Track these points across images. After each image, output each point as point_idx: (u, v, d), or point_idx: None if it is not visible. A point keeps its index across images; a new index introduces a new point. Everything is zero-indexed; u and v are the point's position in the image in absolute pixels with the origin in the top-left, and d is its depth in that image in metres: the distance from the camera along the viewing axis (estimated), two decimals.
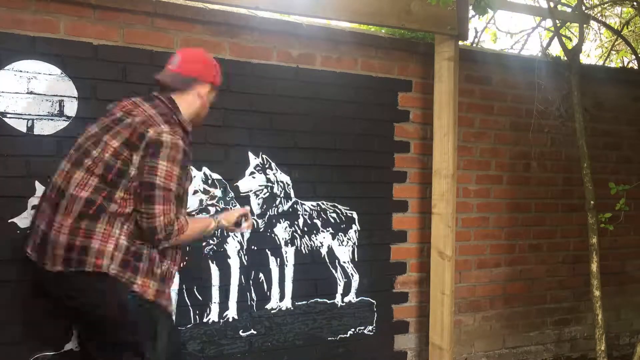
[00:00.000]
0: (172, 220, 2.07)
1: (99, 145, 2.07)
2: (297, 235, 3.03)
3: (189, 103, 2.25)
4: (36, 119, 2.43)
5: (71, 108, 2.49)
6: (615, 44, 5.54)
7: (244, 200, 2.89)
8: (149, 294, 2.08)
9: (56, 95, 2.46)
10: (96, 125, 2.16)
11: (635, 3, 4.23)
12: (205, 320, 2.81)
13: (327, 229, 3.10)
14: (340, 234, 3.14)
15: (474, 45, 4.60)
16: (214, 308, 2.83)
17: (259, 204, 2.93)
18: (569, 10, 3.99)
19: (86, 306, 2.07)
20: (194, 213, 2.77)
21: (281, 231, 2.99)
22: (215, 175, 2.81)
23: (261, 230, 2.94)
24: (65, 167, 2.11)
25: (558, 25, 3.58)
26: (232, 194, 2.85)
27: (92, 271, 1.98)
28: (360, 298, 3.20)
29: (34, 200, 2.41)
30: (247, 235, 2.90)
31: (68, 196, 2.03)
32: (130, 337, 2.08)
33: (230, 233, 2.83)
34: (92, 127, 2.16)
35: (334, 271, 3.13)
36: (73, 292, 2.05)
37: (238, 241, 2.88)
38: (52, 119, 2.46)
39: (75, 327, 2.44)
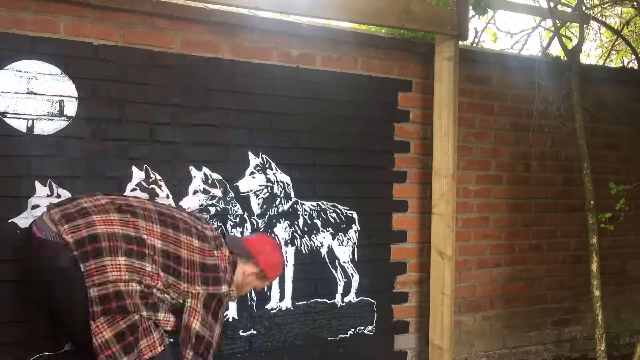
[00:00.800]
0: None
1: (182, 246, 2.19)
2: (297, 235, 3.03)
3: (237, 271, 2.35)
4: (36, 119, 2.43)
5: (71, 108, 2.49)
6: (615, 44, 5.54)
7: (244, 200, 2.89)
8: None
9: (56, 95, 2.46)
10: (185, 219, 2.26)
11: (635, 3, 4.23)
12: None
13: (327, 229, 3.10)
14: (340, 234, 3.14)
15: (474, 45, 4.60)
16: None
17: (259, 204, 2.93)
18: (569, 10, 3.99)
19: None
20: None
21: (281, 231, 2.99)
22: (215, 175, 2.81)
23: (261, 230, 2.94)
24: (159, 228, 2.16)
25: (558, 25, 3.58)
26: (232, 194, 2.85)
27: None
28: (360, 298, 3.20)
29: (34, 200, 2.41)
30: (247, 235, 2.90)
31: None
32: None
33: (230, 233, 2.84)
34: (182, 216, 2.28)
35: (334, 271, 3.13)
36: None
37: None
38: (52, 119, 2.46)
39: None
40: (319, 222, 3.08)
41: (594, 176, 3.20)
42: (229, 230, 2.85)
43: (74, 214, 2.09)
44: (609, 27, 4.90)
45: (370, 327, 3.23)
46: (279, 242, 2.60)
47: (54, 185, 2.45)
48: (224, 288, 2.25)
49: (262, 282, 2.47)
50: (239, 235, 2.76)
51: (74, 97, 2.50)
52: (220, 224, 2.82)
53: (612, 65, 5.74)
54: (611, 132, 4.01)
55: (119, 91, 2.58)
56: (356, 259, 3.18)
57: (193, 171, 2.75)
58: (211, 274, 2.22)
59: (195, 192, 2.75)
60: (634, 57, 4.79)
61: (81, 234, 2.03)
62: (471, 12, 3.15)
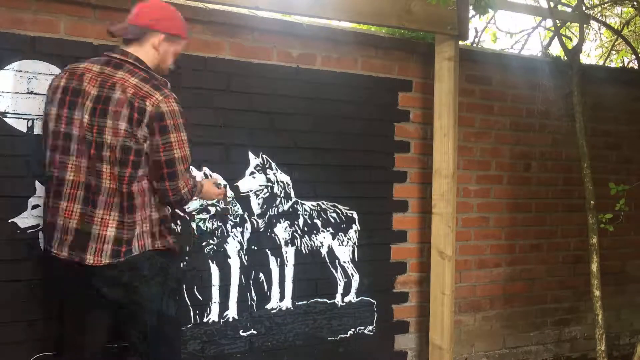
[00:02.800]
0: (193, 186, 2.19)
1: (106, 132, 2.01)
2: (297, 235, 3.03)
3: (147, 56, 2.15)
4: (36, 119, 2.42)
5: None
6: (615, 44, 5.54)
7: (244, 200, 2.89)
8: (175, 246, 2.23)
9: None
10: (75, 109, 2.05)
11: (635, 3, 4.23)
12: (205, 320, 2.81)
13: (327, 229, 3.10)
14: (340, 234, 3.14)
15: (474, 45, 4.60)
16: (214, 308, 2.83)
17: (259, 204, 2.93)
18: (569, 10, 4.00)
19: (132, 286, 2.09)
20: (193, 213, 2.77)
21: (281, 231, 2.99)
22: (215, 175, 2.81)
23: (261, 230, 2.94)
24: (75, 161, 2.05)
25: (558, 25, 3.58)
26: (232, 194, 2.85)
27: (139, 252, 2.08)
28: (360, 298, 3.20)
29: (34, 200, 2.41)
30: (247, 235, 2.90)
31: (105, 190, 2.04)
32: (170, 314, 2.17)
33: (230, 232, 2.84)
34: (71, 112, 2.05)
35: (334, 271, 3.13)
36: (120, 277, 2.07)
37: (238, 241, 2.88)
38: None
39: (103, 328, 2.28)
40: (319, 222, 3.08)
41: (594, 176, 3.20)
42: (229, 231, 2.85)
43: (81, 243, 2.07)
44: (609, 27, 4.90)
45: (370, 327, 3.23)
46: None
47: None
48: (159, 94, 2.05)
49: (178, 44, 2.24)
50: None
51: None
52: (220, 224, 2.82)
53: (612, 65, 5.74)
54: (611, 132, 4.01)
55: None
56: (356, 259, 3.18)
57: (193, 171, 2.75)
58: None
59: None
60: (634, 57, 4.79)
61: (103, 250, 2.06)
62: (471, 12, 3.15)
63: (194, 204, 2.75)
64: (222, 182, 2.74)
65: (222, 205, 2.77)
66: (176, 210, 2.62)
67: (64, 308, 2.27)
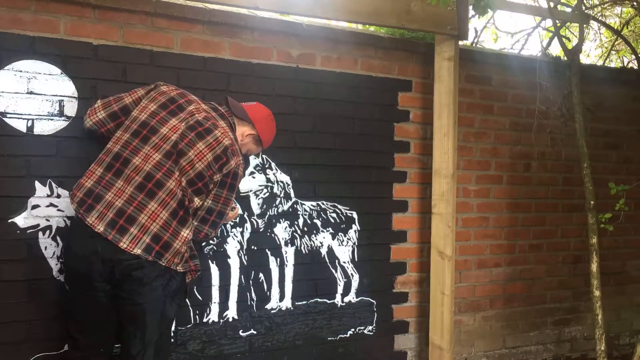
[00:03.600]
0: (216, 233, 2.47)
1: (193, 149, 2.24)
2: (297, 235, 3.03)
3: (237, 135, 2.48)
4: (36, 119, 2.43)
5: (71, 108, 2.49)
6: (615, 44, 5.54)
7: (244, 200, 2.89)
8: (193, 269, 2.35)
9: (56, 95, 2.46)
10: (173, 116, 2.28)
11: (635, 3, 4.23)
12: (205, 320, 2.81)
13: (327, 229, 3.10)
14: (340, 234, 3.14)
15: (474, 45, 4.60)
16: (214, 308, 2.83)
17: (259, 204, 2.93)
18: (569, 10, 3.99)
19: (144, 286, 2.14)
20: None
21: (281, 231, 2.99)
22: None
23: (261, 230, 2.94)
24: (149, 151, 2.20)
25: (558, 25, 3.58)
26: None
27: (165, 265, 2.17)
28: (360, 298, 3.20)
29: (34, 200, 2.42)
30: (247, 235, 2.90)
31: (165, 188, 2.18)
32: (162, 328, 2.23)
33: (230, 233, 2.84)
34: (168, 116, 2.27)
35: (334, 271, 3.13)
36: (139, 275, 2.13)
37: (238, 241, 2.89)
38: (52, 119, 2.46)
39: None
40: (319, 222, 3.08)
41: (594, 176, 3.20)
42: (229, 231, 2.85)
43: (122, 225, 2.16)
44: (609, 27, 4.90)
45: (370, 327, 3.23)
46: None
47: (54, 185, 2.45)
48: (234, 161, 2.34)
49: (256, 147, 2.61)
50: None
51: (74, 97, 2.50)
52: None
53: (612, 65, 5.74)
54: (611, 132, 4.01)
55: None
56: (356, 259, 3.18)
57: None
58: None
59: None
60: (634, 57, 4.79)
61: (140, 240, 2.15)
62: (471, 12, 3.15)
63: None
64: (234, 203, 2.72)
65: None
66: None
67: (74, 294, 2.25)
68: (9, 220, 2.39)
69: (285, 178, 2.99)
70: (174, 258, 2.19)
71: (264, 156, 2.92)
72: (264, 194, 2.94)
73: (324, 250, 3.11)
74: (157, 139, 2.23)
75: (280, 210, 2.98)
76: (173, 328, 2.65)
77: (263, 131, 2.56)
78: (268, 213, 2.95)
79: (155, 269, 2.15)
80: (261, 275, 2.95)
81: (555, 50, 5.64)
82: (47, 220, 2.44)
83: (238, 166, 2.34)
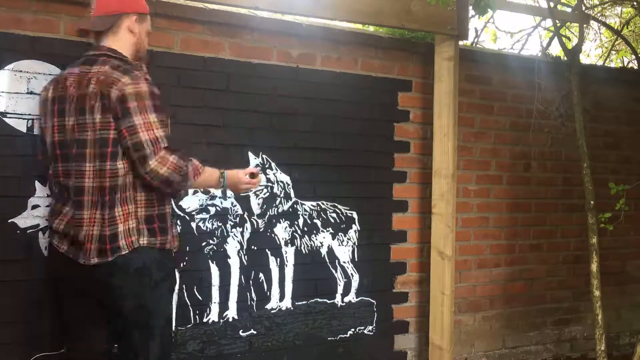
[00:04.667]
0: (178, 164, 2.00)
1: (87, 129, 1.98)
2: (297, 235, 3.03)
3: (124, 42, 2.11)
4: (36, 119, 2.42)
5: None
6: (615, 44, 5.54)
7: (244, 200, 2.89)
8: (175, 244, 2.14)
9: None
10: (64, 115, 2.04)
11: (635, 3, 4.23)
12: (205, 320, 2.81)
13: (327, 229, 3.10)
14: (340, 234, 3.14)
15: (474, 45, 4.60)
16: (214, 308, 2.83)
17: (259, 204, 2.93)
18: (569, 10, 3.99)
19: (124, 288, 2.03)
20: (193, 213, 2.77)
21: (281, 231, 2.99)
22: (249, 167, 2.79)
23: (261, 230, 2.94)
24: (63, 166, 2.06)
25: (558, 25, 3.58)
26: (232, 194, 2.85)
27: (127, 252, 1.99)
28: (360, 298, 3.20)
29: (34, 200, 2.41)
30: (247, 235, 2.90)
31: (86, 190, 2.00)
32: (161, 320, 2.11)
33: (230, 232, 2.84)
34: (61, 119, 2.04)
35: (334, 271, 3.13)
36: (111, 279, 2.02)
37: (238, 241, 2.89)
38: None
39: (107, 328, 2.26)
40: (319, 222, 3.08)
41: (594, 176, 3.19)
42: (229, 231, 2.85)
43: (76, 244, 2.08)
44: (609, 27, 4.90)
45: (370, 327, 3.23)
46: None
47: None
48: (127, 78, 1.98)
49: (146, 21, 2.20)
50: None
51: None
52: (220, 224, 2.82)
53: (612, 65, 5.74)
54: (611, 132, 4.02)
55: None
56: (356, 259, 3.18)
57: None
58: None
59: (194, 191, 2.75)
60: (634, 57, 4.79)
61: (91, 250, 2.03)
62: (471, 12, 3.15)
63: (193, 203, 2.75)
64: (256, 169, 2.45)
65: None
66: (174, 204, 2.60)
67: (65, 307, 2.23)
68: (9, 220, 2.39)
69: (285, 178, 2.99)
70: (129, 238, 2.00)
71: (264, 156, 2.92)
72: (264, 194, 2.94)
73: (324, 250, 3.11)
74: (66, 149, 2.07)
75: (280, 210, 2.98)
76: (173, 328, 2.64)
77: (133, 7, 2.13)
78: (268, 213, 2.95)
79: (125, 267, 2.01)
80: (261, 275, 2.94)
81: (555, 50, 5.64)
82: (47, 220, 2.44)
83: (122, 89, 1.94)
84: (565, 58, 3.48)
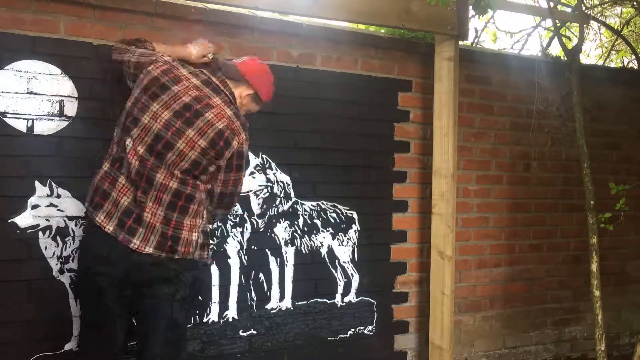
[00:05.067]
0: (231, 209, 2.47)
1: (182, 139, 2.14)
2: (297, 235, 3.03)
3: (239, 92, 2.37)
4: (36, 119, 2.43)
5: (71, 108, 2.49)
6: (615, 44, 5.54)
7: (244, 200, 2.88)
8: (211, 261, 2.39)
9: (56, 95, 2.46)
10: (174, 115, 2.13)
11: (635, 3, 4.23)
12: (205, 320, 2.81)
13: (327, 229, 3.10)
14: (340, 234, 3.14)
15: (474, 45, 4.60)
16: (214, 308, 2.83)
17: (259, 204, 2.93)
18: (569, 10, 3.99)
19: (158, 286, 2.12)
20: None
21: (281, 231, 2.99)
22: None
23: (261, 230, 2.94)
24: (155, 162, 2.13)
25: (558, 25, 3.58)
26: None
27: (180, 257, 2.15)
28: (360, 298, 3.20)
29: (34, 200, 2.41)
30: (247, 235, 2.90)
31: (155, 183, 2.12)
32: (183, 322, 2.22)
33: (230, 233, 2.84)
34: (172, 117, 2.14)
35: (334, 271, 3.13)
36: (156, 272, 2.11)
37: (238, 241, 2.88)
38: (52, 119, 2.46)
39: (124, 320, 2.24)
40: (319, 222, 3.08)
41: (594, 176, 3.19)
42: (229, 231, 2.85)
43: (131, 226, 2.13)
44: (609, 27, 4.90)
45: (370, 327, 3.23)
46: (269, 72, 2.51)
47: (54, 185, 2.45)
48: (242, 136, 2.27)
49: (256, 104, 2.48)
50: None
51: (74, 97, 2.50)
52: (220, 224, 2.82)
53: (612, 65, 5.74)
54: (611, 132, 4.01)
55: (119, 91, 2.57)
56: (356, 259, 3.18)
57: None
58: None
59: None
60: (634, 57, 4.79)
61: (148, 240, 2.14)
62: (471, 12, 3.15)
63: None
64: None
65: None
66: None
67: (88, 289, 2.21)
68: (9, 220, 2.39)
69: (285, 178, 2.99)
70: (188, 248, 2.16)
71: (264, 156, 2.92)
72: (264, 194, 2.94)
73: (324, 250, 3.11)
74: (138, 130, 2.14)
75: (280, 210, 2.98)
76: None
77: (261, 88, 2.42)
78: (268, 213, 2.95)
79: (171, 266, 2.13)
80: (261, 275, 2.94)
81: (555, 50, 5.65)
82: (47, 220, 2.44)
83: (242, 145, 2.24)
84: (565, 58, 3.48)
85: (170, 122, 2.13)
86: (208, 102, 2.20)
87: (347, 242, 3.16)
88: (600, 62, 5.66)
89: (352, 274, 3.17)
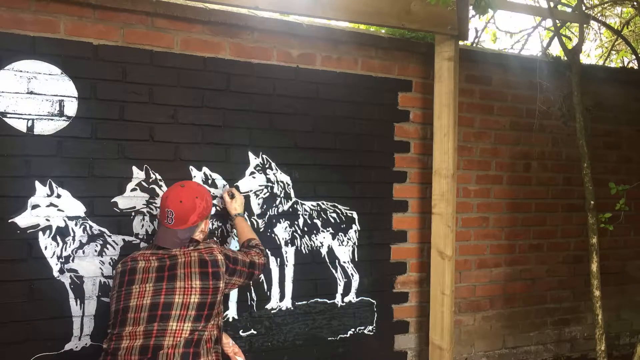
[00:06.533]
0: (261, 260, 2.51)
1: (177, 294, 2.16)
2: (297, 235, 3.03)
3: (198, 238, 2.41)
4: (36, 119, 2.43)
5: (71, 108, 2.49)
6: (615, 44, 5.55)
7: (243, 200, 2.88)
8: None
9: (56, 95, 2.47)
10: (143, 284, 2.18)
11: (635, 3, 4.23)
12: None
13: (327, 229, 3.10)
14: (340, 234, 3.14)
15: (474, 45, 4.60)
16: None
17: (259, 204, 2.93)
18: (569, 10, 4.00)
19: None
20: None
21: (281, 231, 2.99)
22: (215, 175, 2.81)
23: (261, 230, 2.94)
24: (132, 329, 2.10)
25: (558, 25, 3.58)
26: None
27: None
28: (360, 298, 3.20)
29: (34, 200, 2.42)
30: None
31: (169, 345, 2.08)
32: None
33: (230, 233, 2.84)
34: (140, 288, 2.18)
35: (334, 271, 3.13)
36: None
37: (238, 241, 2.88)
38: (52, 119, 2.46)
39: None
40: (319, 222, 3.08)
41: (594, 176, 3.20)
42: (229, 231, 2.85)
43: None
44: (609, 27, 4.90)
45: (370, 327, 3.24)
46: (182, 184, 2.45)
47: (54, 185, 2.45)
48: (217, 253, 2.32)
49: (207, 212, 2.46)
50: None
51: (74, 97, 2.50)
52: (220, 224, 2.82)
53: (612, 65, 5.74)
54: (611, 132, 4.02)
55: (119, 91, 2.58)
56: (356, 259, 3.18)
57: (193, 171, 2.75)
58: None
59: None
60: (634, 57, 4.79)
61: None
62: (471, 12, 3.15)
63: None
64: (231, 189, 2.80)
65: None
66: None
67: None
68: (9, 220, 2.39)
69: (285, 178, 2.99)
70: (209, 344, 2.18)
71: (264, 156, 2.92)
72: (264, 194, 2.94)
73: (324, 250, 3.11)
74: (134, 313, 2.15)
75: (280, 210, 2.98)
76: None
77: (209, 211, 2.46)
78: (268, 213, 2.95)
79: None
80: (261, 275, 2.95)
81: (556, 50, 5.65)
82: (47, 220, 2.45)
83: (222, 249, 2.34)
84: (566, 58, 3.49)
85: (156, 289, 2.20)
86: (170, 254, 2.27)
87: (347, 242, 3.16)
88: (600, 62, 5.66)
89: (352, 274, 3.18)
